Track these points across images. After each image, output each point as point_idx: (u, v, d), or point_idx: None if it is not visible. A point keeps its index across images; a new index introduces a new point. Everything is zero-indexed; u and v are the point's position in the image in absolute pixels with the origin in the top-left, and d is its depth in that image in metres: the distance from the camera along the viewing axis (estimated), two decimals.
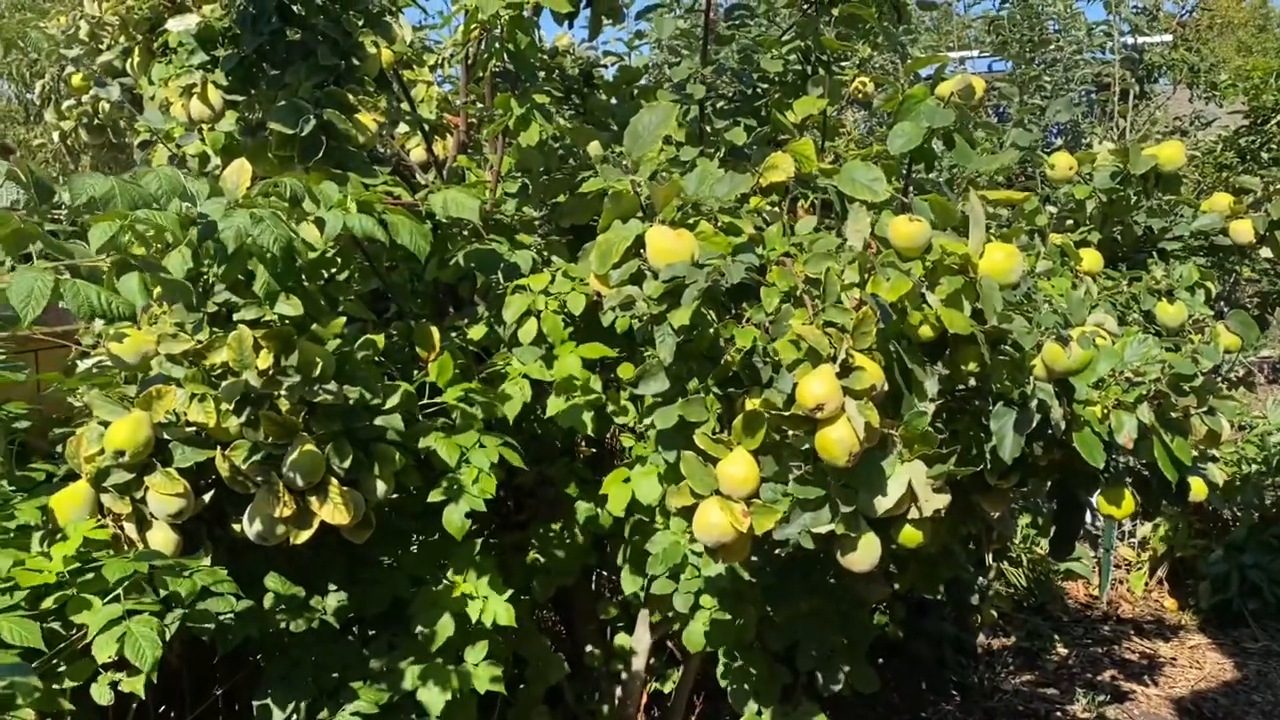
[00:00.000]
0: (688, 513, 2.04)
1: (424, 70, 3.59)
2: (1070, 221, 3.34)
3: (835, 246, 2.01)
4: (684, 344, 1.97)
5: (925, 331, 2.01)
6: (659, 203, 2.11)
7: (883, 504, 1.90)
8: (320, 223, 2.04)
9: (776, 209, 2.33)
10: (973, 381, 2.15)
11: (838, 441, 1.80)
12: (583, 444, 3.27)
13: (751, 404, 1.94)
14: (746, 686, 2.88)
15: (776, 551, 2.25)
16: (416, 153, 3.36)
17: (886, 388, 1.88)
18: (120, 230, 1.69)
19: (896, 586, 3.02)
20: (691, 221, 2.10)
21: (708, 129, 3.08)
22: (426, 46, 3.85)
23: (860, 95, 3.47)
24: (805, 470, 1.92)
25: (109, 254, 1.70)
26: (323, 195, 2.03)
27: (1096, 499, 2.41)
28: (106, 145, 3.86)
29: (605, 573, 3.60)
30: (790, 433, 1.89)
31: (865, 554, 1.97)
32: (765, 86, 3.18)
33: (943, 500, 1.95)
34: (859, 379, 1.81)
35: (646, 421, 2.50)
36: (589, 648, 3.40)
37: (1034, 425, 2.12)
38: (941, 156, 2.46)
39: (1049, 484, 2.60)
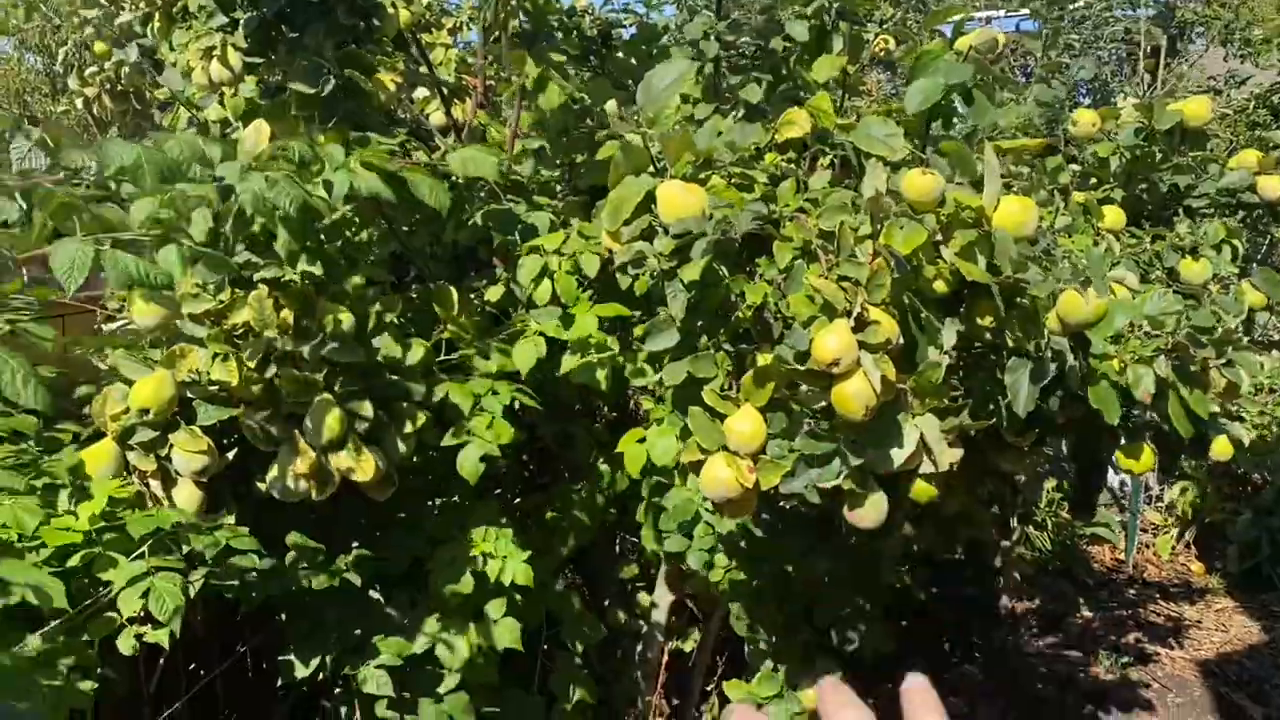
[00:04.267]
0: (696, 468, 2.05)
1: (442, 33, 3.59)
2: (1094, 180, 3.29)
3: (850, 200, 2.00)
4: (695, 300, 1.97)
5: (940, 286, 2.00)
6: (671, 157, 2.10)
7: (896, 458, 1.89)
8: (328, 185, 2.06)
9: (793, 165, 2.32)
10: (988, 337, 2.13)
11: (854, 396, 1.80)
12: (604, 409, 3.28)
13: (763, 359, 1.94)
14: (764, 645, 2.90)
15: (783, 505, 2.24)
16: (436, 117, 3.37)
17: (902, 341, 1.87)
18: (160, 205, 1.73)
19: (916, 548, 3.02)
20: (703, 176, 2.09)
21: (723, 85, 3.05)
22: (444, 9, 3.84)
23: (883, 54, 3.42)
24: (816, 426, 1.92)
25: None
26: (328, 157, 2.05)
27: (1116, 454, 2.40)
28: (130, 112, 3.89)
29: (627, 535, 3.63)
30: (803, 388, 1.89)
31: (873, 510, 1.97)
32: (788, 45, 3.13)
33: (955, 454, 1.95)
34: (874, 333, 1.80)
35: (659, 377, 2.51)
36: (608, 604, 3.43)
37: (1049, 377, 2.10)
38: (963, 116, 2.42)
39: (1070, 444, 2.58)
